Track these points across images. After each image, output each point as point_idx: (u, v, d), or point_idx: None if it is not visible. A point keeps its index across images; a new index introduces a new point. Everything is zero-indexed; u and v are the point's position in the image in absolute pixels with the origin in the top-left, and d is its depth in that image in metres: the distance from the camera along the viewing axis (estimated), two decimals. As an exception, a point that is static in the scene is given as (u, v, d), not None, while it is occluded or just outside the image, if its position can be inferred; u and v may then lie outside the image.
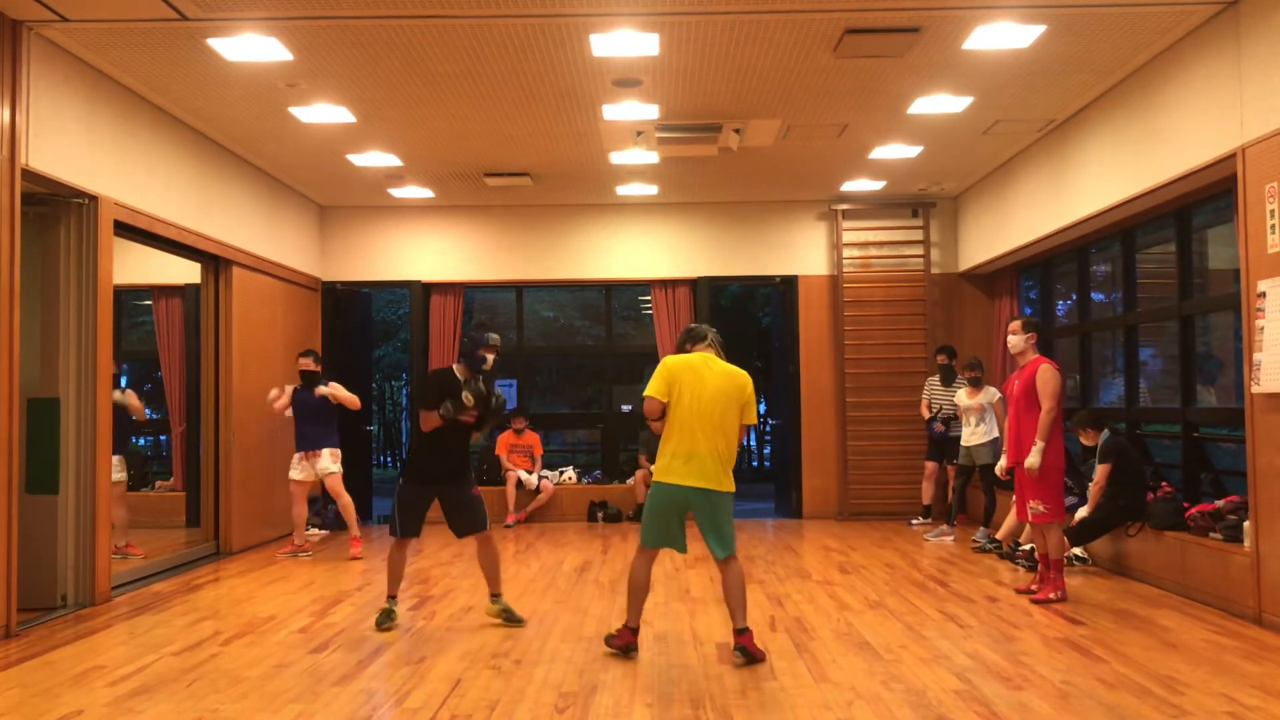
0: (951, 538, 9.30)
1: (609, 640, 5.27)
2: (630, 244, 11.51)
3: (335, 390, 8.63)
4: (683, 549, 5.16)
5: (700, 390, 4.97)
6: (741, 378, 5.09)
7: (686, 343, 5.25)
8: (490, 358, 5.81)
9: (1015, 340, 6.57)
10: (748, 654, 4.95)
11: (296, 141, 8.61)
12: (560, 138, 8.66)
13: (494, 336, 5.84)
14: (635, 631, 5.19)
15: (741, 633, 4.99)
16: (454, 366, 5.88)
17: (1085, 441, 7.57)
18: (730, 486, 5.01)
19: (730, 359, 5.25)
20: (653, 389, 5.00)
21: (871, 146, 9.11)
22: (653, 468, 5.12)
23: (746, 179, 10.33)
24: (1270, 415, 5.58)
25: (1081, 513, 7.40)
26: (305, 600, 6.76)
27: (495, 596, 6.00)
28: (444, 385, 5.73)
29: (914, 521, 10.35)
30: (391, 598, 5.96)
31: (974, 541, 8.86)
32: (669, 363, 5.06)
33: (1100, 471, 7.21)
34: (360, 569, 8.05)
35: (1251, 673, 4.74)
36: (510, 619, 5.91)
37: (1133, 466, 7.19)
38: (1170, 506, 6.88)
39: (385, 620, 5.85)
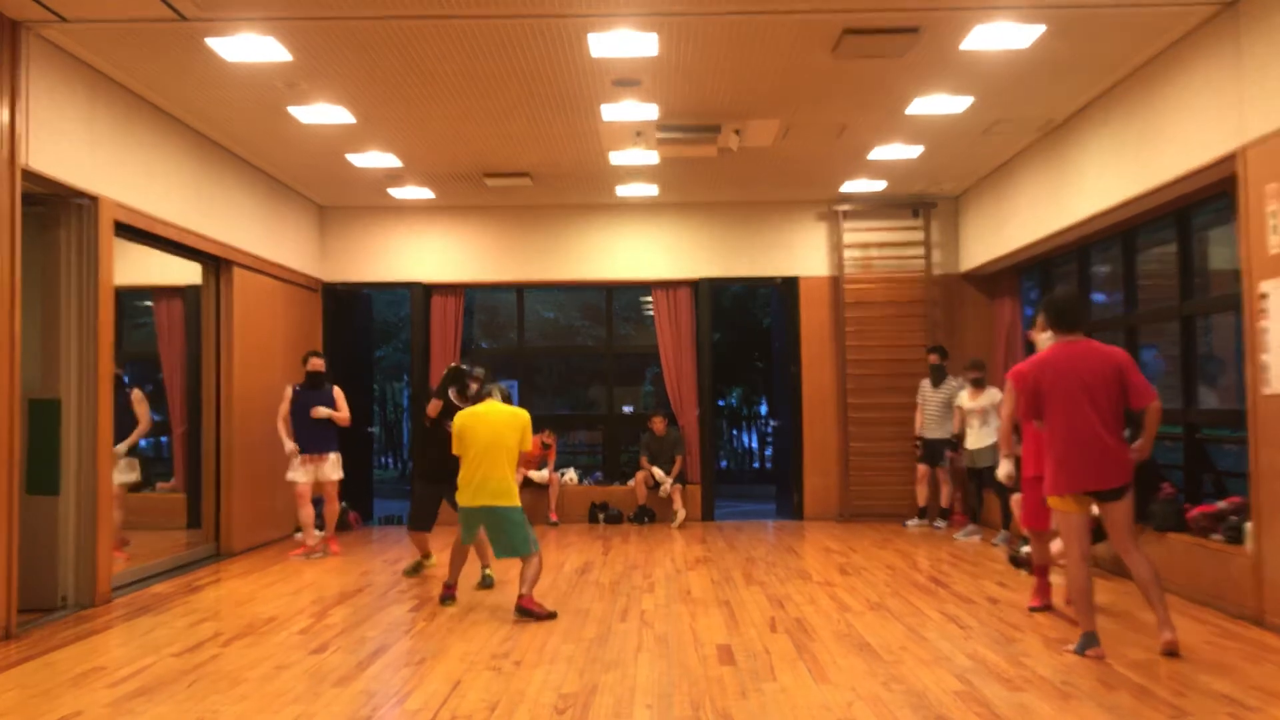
0: (980, 536, 9.42)
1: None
2: (630, 245, 11.50)
3: (336, 414, 8.74)
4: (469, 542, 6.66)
5: (479, 436, 6.31)
6: (518, 419, 6.40)
7: (480, 391, 6.82)
8: (473, 385, 7.31)
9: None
10: (522, 611, 6.06)
11: (296, 142, 8.61)
12: (560, 138, 8.65)
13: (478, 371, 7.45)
14: (451, 586, 6.66)
15: (521, 596, 6.12)
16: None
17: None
18: (512, 502, 6.29)
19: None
20: (455, 448, 6.45)
21: (871, 147, 9.11)
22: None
23: (746, 179, 10.33)
24: (1276, 416, 5.57)
25: None
26: (305, 601, 6.76)
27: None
28: None
29: (909, 523, 10.39)
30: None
31: (962, 536, 8.91)
32: (457, 421, 6.44)
33: None
34: (361, 570, 8.04)
35: (1252, 674, 4.74)
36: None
37: (1153, 469, 7.15)
38: (1171, 508, 6.86)
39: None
